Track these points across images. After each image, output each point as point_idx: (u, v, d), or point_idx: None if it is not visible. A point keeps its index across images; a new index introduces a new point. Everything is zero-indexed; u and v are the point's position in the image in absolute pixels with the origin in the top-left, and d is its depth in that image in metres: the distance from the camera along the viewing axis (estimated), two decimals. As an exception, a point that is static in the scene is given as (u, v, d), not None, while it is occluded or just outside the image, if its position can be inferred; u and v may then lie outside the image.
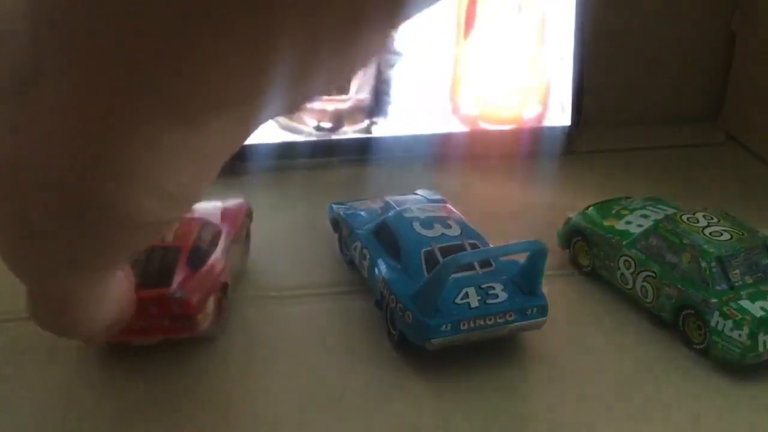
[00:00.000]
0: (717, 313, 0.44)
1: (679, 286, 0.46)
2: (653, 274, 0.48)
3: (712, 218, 0.48)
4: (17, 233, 0.24)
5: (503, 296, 0.44)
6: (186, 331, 0.43)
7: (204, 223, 0.48)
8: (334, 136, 0.68)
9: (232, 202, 0.53)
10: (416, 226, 0.48)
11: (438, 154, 0.70)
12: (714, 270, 0.45)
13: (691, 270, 0.46)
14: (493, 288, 0.44)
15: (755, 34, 0.73)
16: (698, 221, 0.48)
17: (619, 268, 0.50)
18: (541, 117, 0.71)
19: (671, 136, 0.76)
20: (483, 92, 0.70)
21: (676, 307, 0.46)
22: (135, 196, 0.22)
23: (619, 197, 0.56)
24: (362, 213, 0.53)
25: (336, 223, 0.55)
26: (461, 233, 0.47)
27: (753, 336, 0.43)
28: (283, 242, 0.57)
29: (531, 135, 0.71)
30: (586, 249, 0.53)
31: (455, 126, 0.70)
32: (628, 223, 0.51)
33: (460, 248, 0.46)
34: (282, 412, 0.41)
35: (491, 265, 0.46)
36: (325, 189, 0.65)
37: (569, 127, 0.72)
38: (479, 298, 0.44)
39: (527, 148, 0.71)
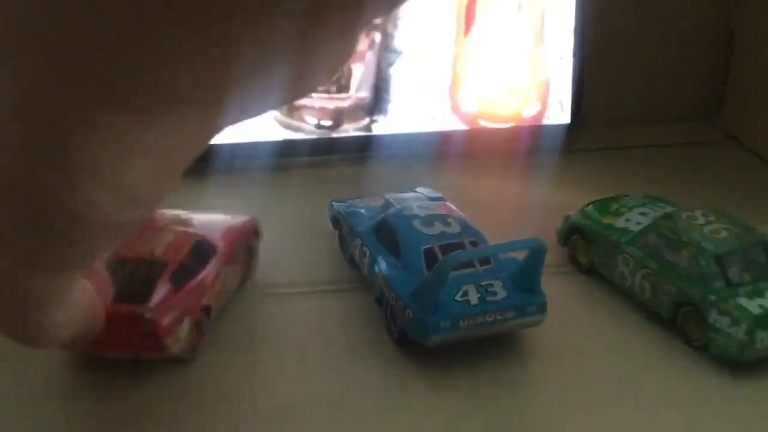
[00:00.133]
0: (715, 310, 0.44)
1: (678, 284, 0.46)
2: (652, 272, 0.48)
3: (710, 216, 0.49)
4: None
5: (503, 294, 0.44)
6: (154, 352, 0.41)
7: (199, 239, 0.46)
8: (334, 134, 0.69)
9: (240, 218, 0.50)
10: (416, 223, 0.48)
11: (438, 152, 0.70)
12: (712, 267, 0.45)
13: (689, 267, 0.46)
14: (493, 285, 0.44)
15: (754, 32, 0.73)
16: (697, 219, 0.48)
17: (617, 266, 0.50)
18: (540, 115, 0.71)
19: (670, 135, 0.76)
20: (482, 90, 0.70)
21: (674, 304, 0.46)
22: (89, 193, 0.22)
23: (618, 195, 0.56)
24: (362, 210, 0.54)
25: (336, 221, 0.55)
26: (461, 231, 0.47)
27: (751, 333, 0.43)
28: (283, 240, 0.57)
29: (530, 133, 0.72)
30: (585, 246, 0.53)
31: (455, 124, 0.70)
32: (627, 220, 0.51)
33: (460, 246, 0.46)
34: (281, 409, 0.42)
35: (491, 262, 0.46)
36: (325, 187, 0.65)
37: (568, 125, 0.72)
38: (479, 295, 0.44)
39: (526, 146, 0.71)
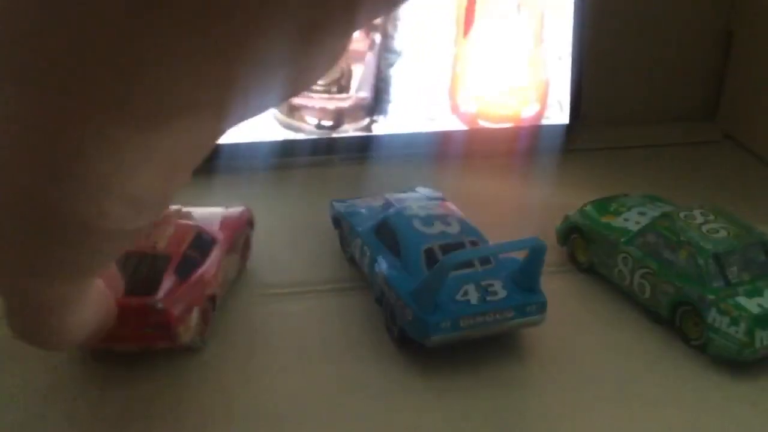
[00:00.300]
0: (714, 309, 0.44)
1: (677, 283, 0.46)
2: (651, 271, 0.48)
3: (709, 215, 0.49)
4: None
5: (502, 293, 0.44)
6: (166, 342, 0.43)
7: (199, 231, 0.47)
8: (335, 134, 0.69)
9: (234, 209, 0.52)
10: (416, 223, 0.48)
11: (437, 152, 0.70)
12: (711, 267, 0.46)
13: (688, 267, 0.46)
14: (493, 285, 0.45)
15: (753, 32, 0.73)
16: (695, 218, 0.48)
17: (616, 265, 0.50)
18: (539, 115, 0.71)
19: (669, 135, 0.76)
20: (482, 91, 0.70)
21: (673, 304, 0.47)
22: (97, 201, 0.21)
23: (617, 195, 0.56)
24: (363, 210, 0.54)
25: (337, 221, 0.55)
26: (461, 231, 0.48)
27: (750, 332, 0.43)
28: (284, 239, 0.57)
29: (529, 133, 0.72)
30: (584, 246, 0.53)
31: (454, 124, 0.71)
32: (626, 220, 0.52)
33: (460, 246, 0.46)
34: (282, 408, 0.42)
35: (491, 262, 0.46)
36: (325, 186, 0.65)
37: (567, 125, 0.72)
38: (479, 295, 0.44)
39: (526, 146, 0.71)
